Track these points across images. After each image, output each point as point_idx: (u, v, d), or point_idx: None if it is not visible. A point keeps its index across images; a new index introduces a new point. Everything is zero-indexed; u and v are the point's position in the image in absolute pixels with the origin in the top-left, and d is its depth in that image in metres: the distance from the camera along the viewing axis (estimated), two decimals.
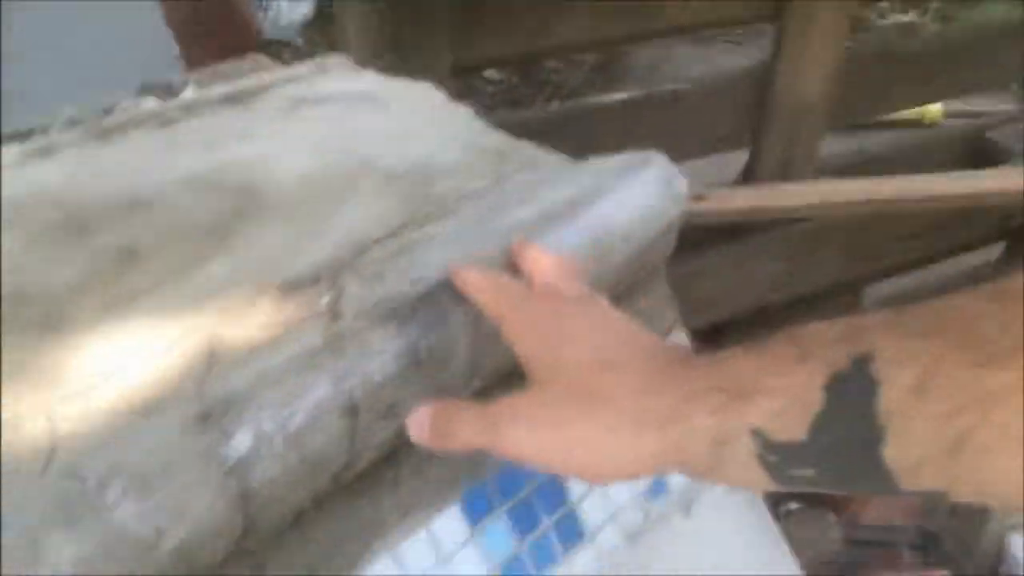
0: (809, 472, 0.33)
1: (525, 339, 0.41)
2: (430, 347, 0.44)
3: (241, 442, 0.38)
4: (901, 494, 0.32)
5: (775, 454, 0.34)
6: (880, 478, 0.31)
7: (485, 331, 0.46)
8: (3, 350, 0.42)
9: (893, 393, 0.30)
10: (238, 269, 0.49)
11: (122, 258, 0.50)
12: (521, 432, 0.39)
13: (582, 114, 1.39)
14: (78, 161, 0.61)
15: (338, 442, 0.42)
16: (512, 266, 0.48)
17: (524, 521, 0.54)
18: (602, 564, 0.56)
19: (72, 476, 0.35)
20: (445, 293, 0.46)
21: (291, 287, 0.47)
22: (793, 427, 0.33)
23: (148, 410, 0.38)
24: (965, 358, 0.29)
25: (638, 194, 0.56)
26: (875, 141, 1.83)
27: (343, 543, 0.46)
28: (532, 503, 0.54)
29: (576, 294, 0.44)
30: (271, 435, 0.39)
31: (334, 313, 0.45)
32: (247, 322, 0.44)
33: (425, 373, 0.44)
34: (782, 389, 0.33)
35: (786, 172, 1.40)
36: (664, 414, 0.36)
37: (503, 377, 0.50)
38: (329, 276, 0.47)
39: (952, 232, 1.67)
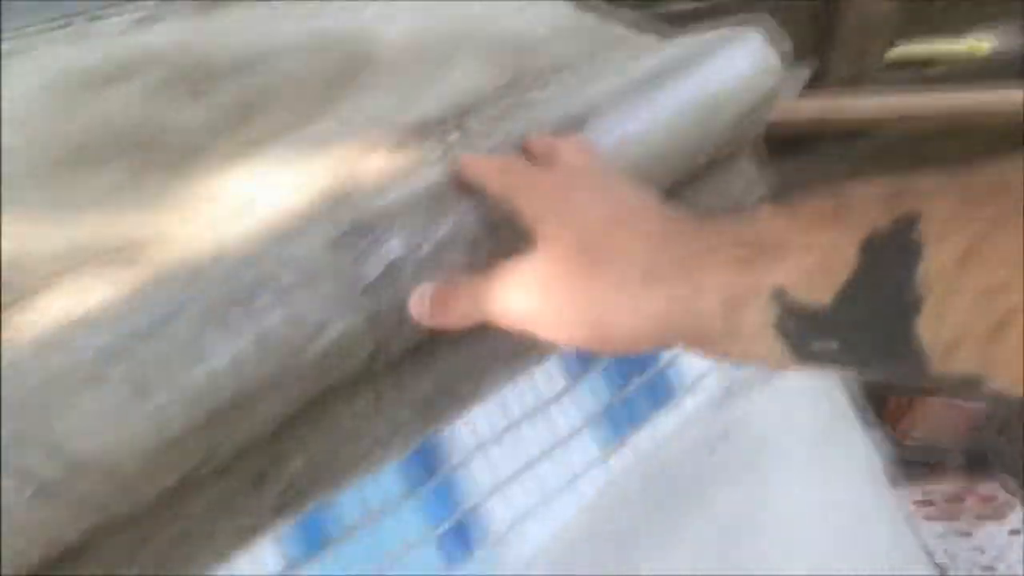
0: (832, 345, 0.30)
1: (533, 205, 0.38)
2: None
3: (374, 266, 0.40)
4: (928, 379, 0.28)
5: (797, 319, 0.30)
6: (909, 356, 0.28)
7: None
8: (150, 184, 0.45)
9: (937, 261, 0.27)
10: (351, 124, 0.51)
11: (241, 112, 0.52)
12: (519, 295, 0.36)
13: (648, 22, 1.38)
14: (183, 29, 0.63)
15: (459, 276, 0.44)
16: (529, 152, 0.45)
17: (616, 379, 0.56)
18: (686, 425, 0.58)
19: (226, 283, 0.37)
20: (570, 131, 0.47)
21: (405, 137, 0.48)
22: (822, 288, 0.29)
23: (291, 231, 0.40)
24: (1015, 229, 0.25)
25: (734, 64, 0.57)
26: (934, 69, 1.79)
27: (456, 380, 0.48)
28: (624, 364, 0.57)
29: (590, 166, 0.41)
30: (400, 263, 0.41)
31: (452, 159, 0.46)
32: (370, 164, 0.46)
33: None
34: (812, 247, 0.29)
35: (849, 90, 1.39)
36: (676, 268, 0.33)
37: None
38: (439, 130, 0.49)
39: (1017, 147, 1.64)
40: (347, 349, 0.40)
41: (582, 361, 0.54)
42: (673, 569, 0.55)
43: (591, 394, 0.54)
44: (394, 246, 0.41)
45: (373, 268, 0.40)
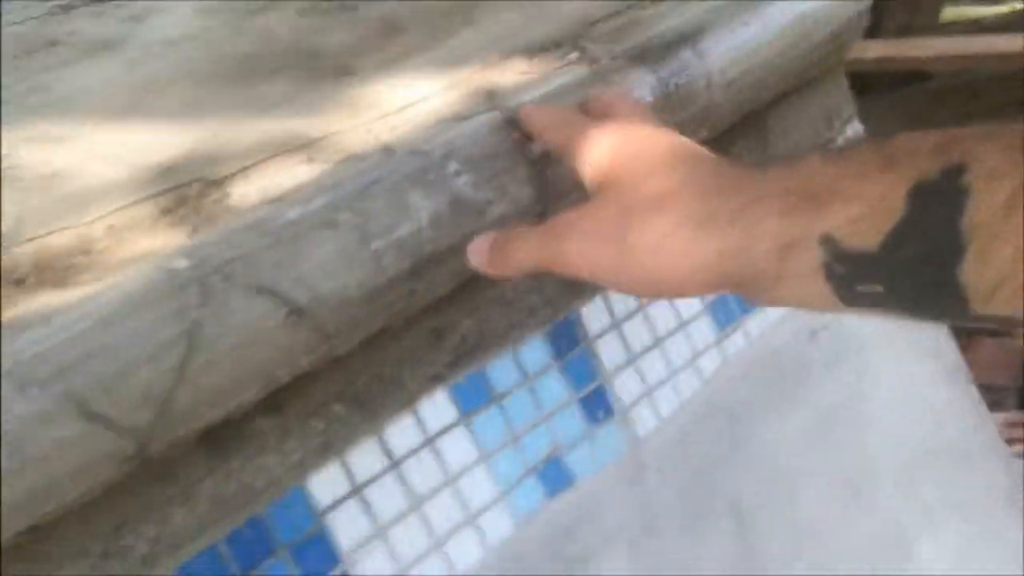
0: (878, 288, 0.31)
1: (590, 154, 0.39)
2: (678, 84, 0.50)
3: (535, 146, 0.45)
4: (967, 320, 0.30)
5: (845, 264, 0.31)
6: (951, 297, 0.29)
7: (720, 81, 0.52)
8: (315, 92, 0.50)
9: (983, 207, 0.27)
10: (487, 38, 0.56)
11: (385, 29, 0.57)
12: (583, 245, 0.37)
13: None
14: None
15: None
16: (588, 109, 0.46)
17: None
18: (790, 313, 0.63)
19: (418, 153, 0.43)
20: (683, 45, 0.52)
21: (541, 47, 0.53)
22: (869, 235, 0.30)
23: (460, 117, 0.46)
24: None
25: None
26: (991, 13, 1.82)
27: None
28: None
29: (643, 121, 0.42)
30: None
31: (590, 59, 0.51)
32: (507, 73, 0.51)
33: (671, 110, 0.51)
34: (861, 194, 0.30)
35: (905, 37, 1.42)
36: (729, 214, 0.33)
37: None
38: (571, 40, 0.54)
39: None
40: (515, 217, 0.45)
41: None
42: (780, 443, 0.60)
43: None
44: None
45: (535, 147, 0.45)
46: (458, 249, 0.43)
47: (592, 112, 0.44)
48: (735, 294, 0.36)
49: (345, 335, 0.40)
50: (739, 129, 0.61)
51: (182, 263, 0.36)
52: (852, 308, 0.32)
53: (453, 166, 0.42)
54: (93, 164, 0.44)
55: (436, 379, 0.47)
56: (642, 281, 0.36)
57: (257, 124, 0.48)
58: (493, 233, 0.42)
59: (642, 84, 0.49)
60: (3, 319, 0.34)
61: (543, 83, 0.49)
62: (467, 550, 0.48)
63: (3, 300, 0.35)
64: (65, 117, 0.49)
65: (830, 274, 0.31)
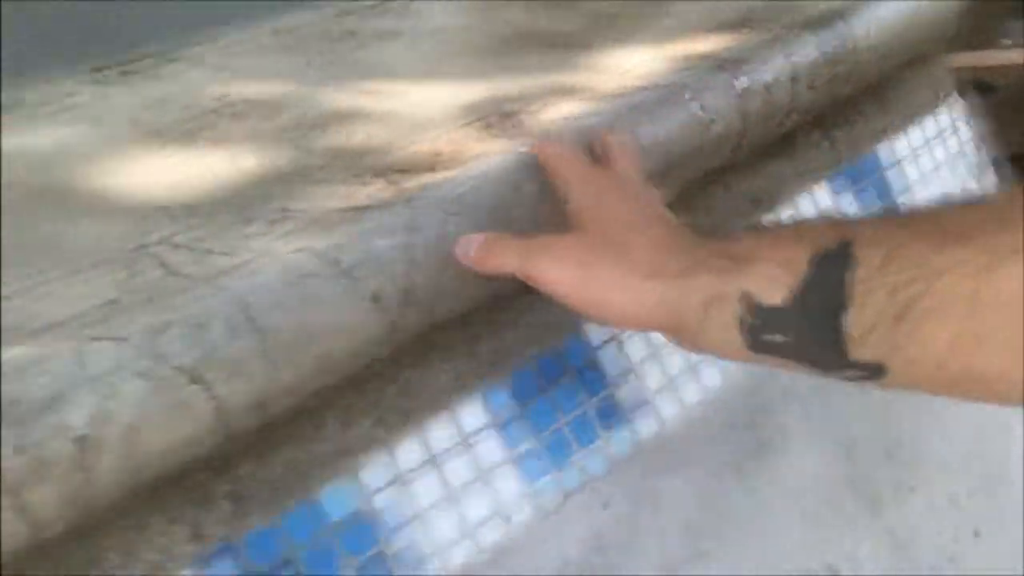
0: (779, 338, 0.39)
1: (578, 196, 0.48)
2: (835, 45, 0.68)
3: (741, 83, 0.63)
4: (845, 366, 0.37)
5: (756, 316, 0.39)
6: (833, 344, 0.37)
7: (864, 45, 0.70)
8: (563, 57, 0.68)
9: (864, 267, 0.35)
10: (683, 23, 0.74)
11: (600, 18, 0.76)
12: (552, 264, 0.44)
13: None
14: None
15: (782, 102, 0.66)
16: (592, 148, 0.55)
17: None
18: None
19: (661, 86, 0.60)
20: (837, 18, 0.69)
21: (730, 26, 0.71)
22: (779, 291, 0.38)
23: (683, 62, 0.63)
24: (925, 243, 0.34)
25: None
26: None
27: (782, 182, 0.70)
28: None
29: (630, 177, 0.51)
30: (751, 87, 0.63)
31: (767, 31, 0.69)
32: (711, 42, 0.68)
33: (829, 68, 0.68)
34: (776, 259, 0.38)
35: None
36: (672, 270, 0.42)
37: None
38: (747, 20, 0.72)
39: None
40: (725, 139, 0.62)
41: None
42: None
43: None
44: (744, 80, 0.64)
45: (740, 84, 0.63)
46: (691, 155, 0.60)
47: (594, 152, 0.53)
48: (668, 339, 0.45)
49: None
50: (866, 96, 0.78)
51: (522, 148, 0.54)
52: (756, 355, 0.40)
53: (689, 92, 0.60)
54: (417, 108, 0.63)
55: None
56: (592, 308, 0.45)
57: (528, 79, 0.66)
58: (484, 234, 0.48)
59: (806, 44, 0.66)
60: (407, 191, 0.51)
61: (740, 47, 0.66)
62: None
63: (398, 181, 0.53)
64: (381, 79, 0.68)
65: (742, 326, 0.39)
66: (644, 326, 0.45)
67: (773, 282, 0.38)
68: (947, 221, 0.35)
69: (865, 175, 0.78)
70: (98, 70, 0.71)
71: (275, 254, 0.45)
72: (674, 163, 0.59)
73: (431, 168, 0.54)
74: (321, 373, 0.45)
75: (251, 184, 0.53)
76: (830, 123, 0.76)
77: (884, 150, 0.80)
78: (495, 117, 0.60)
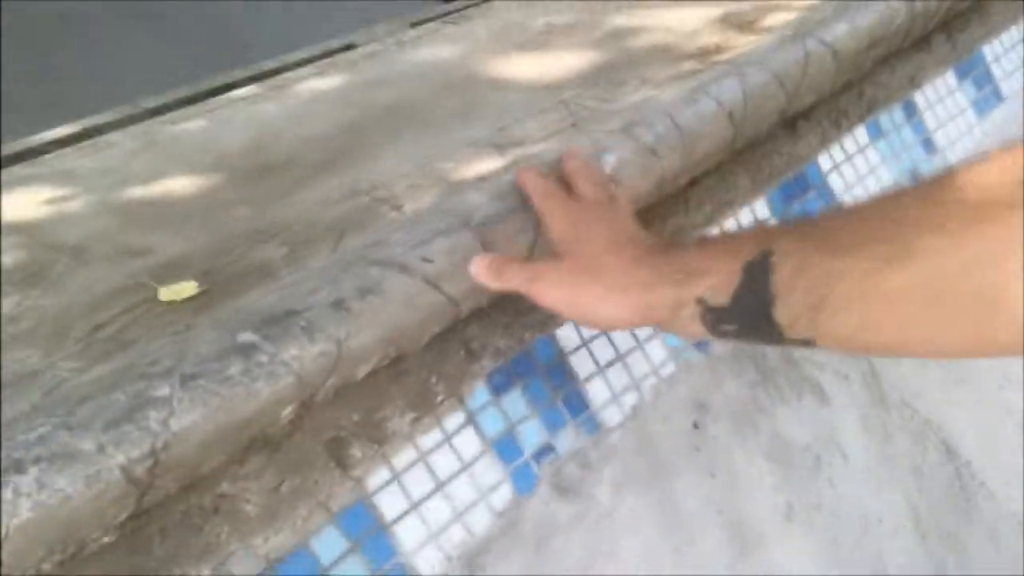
0: (731, 327, 0.47)
1: (560, 227, 0.55)
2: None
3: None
4: (785, 342, 0.45)
5: (711, 314, 0.47)
6: (773, 329, 0.45)
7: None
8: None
9: (781, 274, 0.44)
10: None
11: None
12: (549, 285, 0.53)
13: None
14: None
15: (932, 10, 0.94)
16: (561, 171, 0.62)
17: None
18: None
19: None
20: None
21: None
22: (722, 296, 0.46)
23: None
24: (826, 254, 0.42)
25: None
26: None
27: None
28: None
29: (600, 199, 0.58)
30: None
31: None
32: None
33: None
34: (717, 271, 0.47)
35: None
36: (643, 285, 0.50)
37: None
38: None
39: None
40: (905, 25, 0.90)
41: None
42: None
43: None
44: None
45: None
46: (894, 35, 0.89)
47: (563, 171, 0.61)
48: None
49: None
50: (975, 9, 1.06)
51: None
52: (721, 338, 0.49)
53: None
54: (676, 22, 0.92)
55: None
56: (585, 320, 0.55)
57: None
58: (494, 256, 0.56)
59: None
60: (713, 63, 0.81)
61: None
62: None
63: (703, 60, 0.83)
64: (643, 9, 0.98)
65: (704, 320, 0.48)
66: (628, 327, 0.62)
67: (716, 289, 0.47)
68: (842, 234, 0.43)
69: (974, 67, 1.06)
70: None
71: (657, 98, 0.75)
72: (877, 40, 0.88)
73: (717, 51, 0.84)
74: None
75: (604, 66, 0.84)
76: (953, 27, 1.04)
77: (988, 50, 1.09)
78: (737, 19, 0.91)
